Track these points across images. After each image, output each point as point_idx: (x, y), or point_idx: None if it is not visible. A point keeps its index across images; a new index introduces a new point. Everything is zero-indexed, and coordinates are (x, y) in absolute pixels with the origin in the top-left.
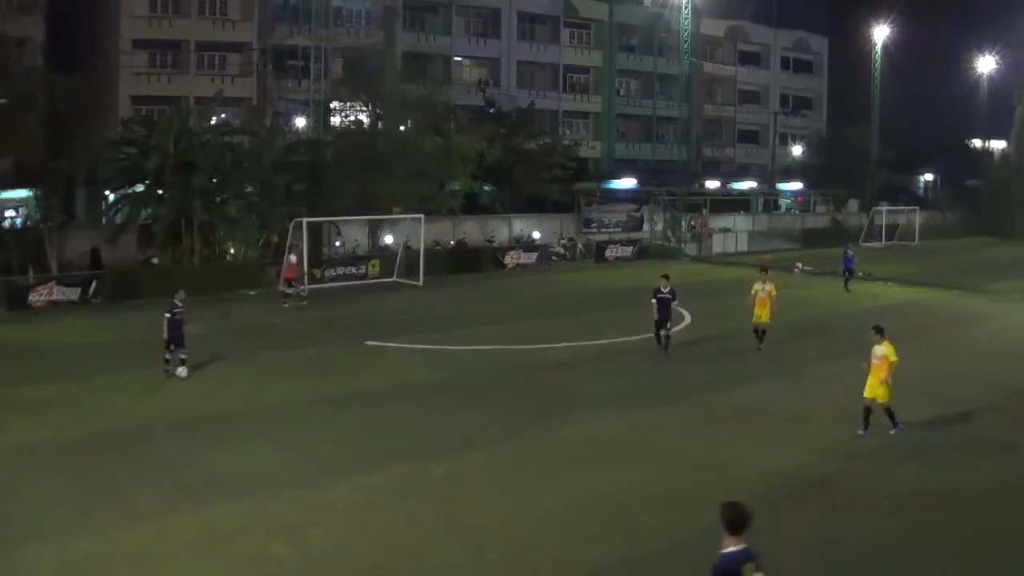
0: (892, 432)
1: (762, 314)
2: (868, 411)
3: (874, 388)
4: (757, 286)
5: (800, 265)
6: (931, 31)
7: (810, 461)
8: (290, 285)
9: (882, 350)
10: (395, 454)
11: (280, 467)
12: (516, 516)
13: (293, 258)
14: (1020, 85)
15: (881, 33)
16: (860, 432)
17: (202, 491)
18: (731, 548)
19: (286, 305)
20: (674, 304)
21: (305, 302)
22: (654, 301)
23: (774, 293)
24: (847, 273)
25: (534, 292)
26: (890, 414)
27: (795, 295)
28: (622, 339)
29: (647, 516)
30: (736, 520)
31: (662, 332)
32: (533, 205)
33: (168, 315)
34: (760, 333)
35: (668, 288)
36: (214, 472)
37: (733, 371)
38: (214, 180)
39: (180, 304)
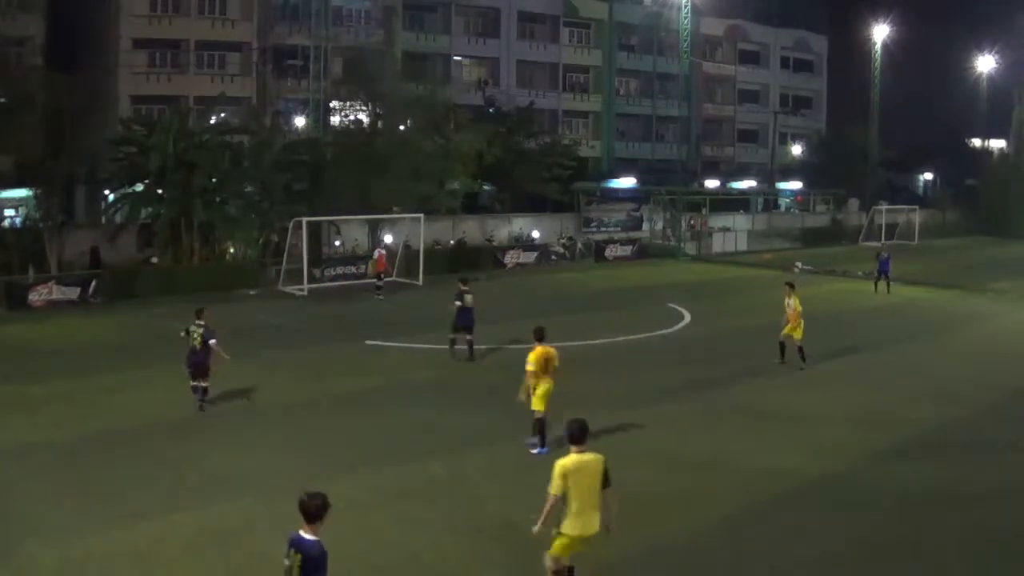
0: (801, 369)
1: (789, 330)
2: (783, 345)
3: (791, 330)
4: (786, 300)
5: (800, 264)
6: (931, 30)
7: (811, 460)
8: (379, 278)
9: (792, 302)
10: (395, 453)
11: (280, 466)
12: (515, 516)
13: (381, 252)
14: (1019, 84)
15: (881, 32)
16: (776, 361)
17: (203, 490)
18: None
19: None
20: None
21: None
22: (457, 304)
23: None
24: (882, 275)
25: (534, 292)
26: (801, 352)
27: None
28: (622, 338)
29: (645, 515)
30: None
31: (462, 337)
32: (533, 204)
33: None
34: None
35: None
36: (214, 471)
37: (733, 370)
38: (214, 179)
39: (201, 324)
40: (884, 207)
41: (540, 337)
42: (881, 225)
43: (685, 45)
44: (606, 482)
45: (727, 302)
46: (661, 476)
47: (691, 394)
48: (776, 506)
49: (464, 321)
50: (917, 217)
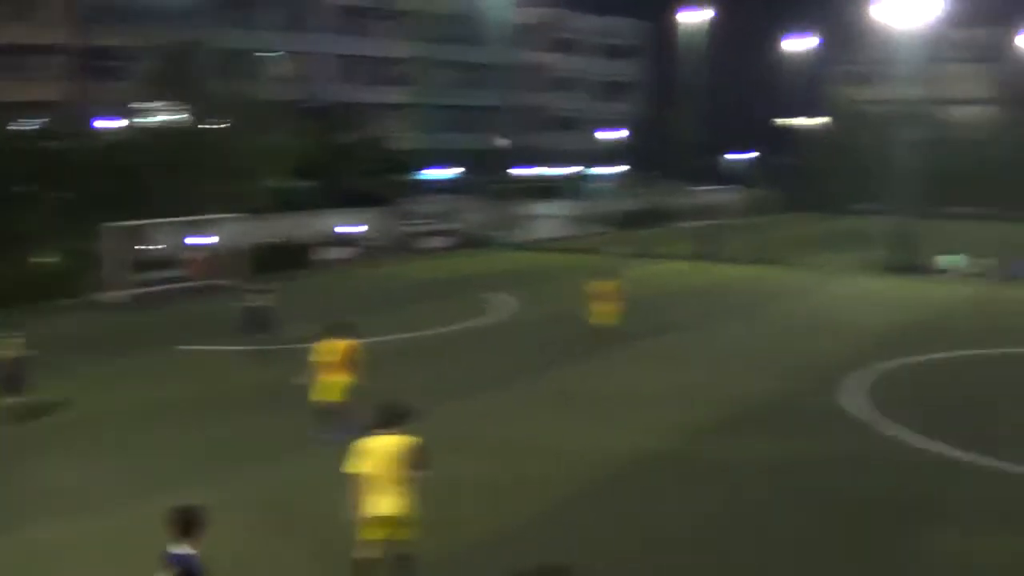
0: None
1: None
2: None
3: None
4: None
5: (618, 249)
6: (750, 14)
7: (641, 440)
8: (198, 280)
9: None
10: (216, 461)
11: (97, 481)
12: (344, 517)
13: (198, 254)
14: (835, 64)
15: (698, 17)
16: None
17: (18, 509)
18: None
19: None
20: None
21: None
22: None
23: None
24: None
25: (354, 287)
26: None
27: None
28: (445, 329)
29: (476, 506)
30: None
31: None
32: (352, 199)
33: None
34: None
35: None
36: (33, 488)
37: (558, 355)
38: (17, 186)
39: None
40: (702, 187)
41: (332, 331)
42: (698, 206)
43: (502, 34)
44: (418, 465)
45: (549, 288)
46: (493, 464)
47: (518, 380)
48: (610, 487)
49: (257, 322)
50: (738, 196)
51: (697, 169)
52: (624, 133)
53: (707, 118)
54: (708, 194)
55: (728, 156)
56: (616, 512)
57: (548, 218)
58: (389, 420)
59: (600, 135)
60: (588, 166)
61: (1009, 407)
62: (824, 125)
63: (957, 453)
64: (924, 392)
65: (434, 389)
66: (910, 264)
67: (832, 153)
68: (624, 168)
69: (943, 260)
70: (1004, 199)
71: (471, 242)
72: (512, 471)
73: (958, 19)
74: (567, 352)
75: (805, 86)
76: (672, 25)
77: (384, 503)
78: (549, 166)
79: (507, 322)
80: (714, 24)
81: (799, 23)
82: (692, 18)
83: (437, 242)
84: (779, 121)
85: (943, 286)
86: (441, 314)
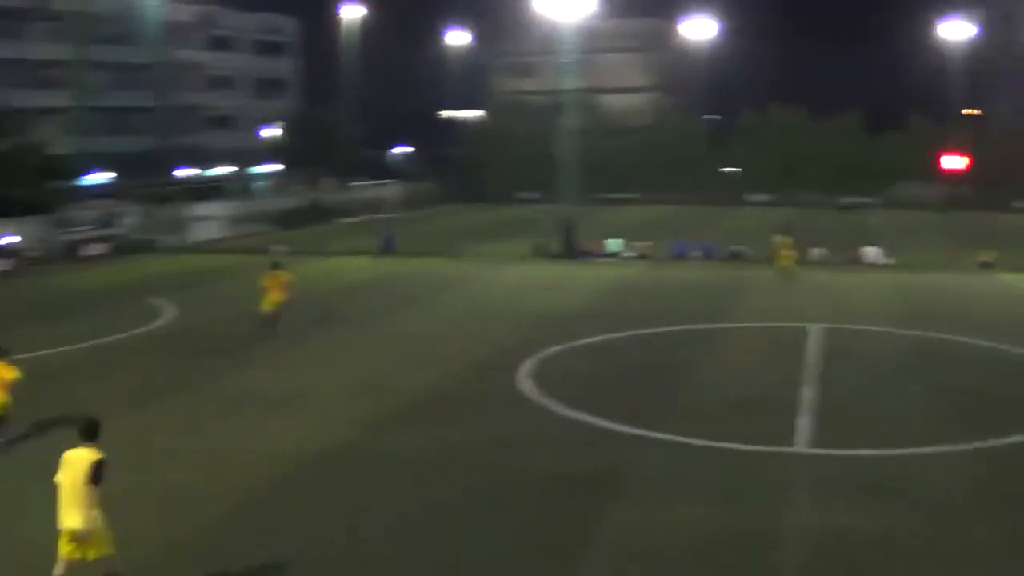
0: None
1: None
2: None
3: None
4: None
5: (279, 247)
6: (405, 8)
7: (313, 437)
8: None
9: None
10: None
11: None
12: (25, 536)
13: None
14: (495, 56)
15: (353, 12)
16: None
17: None
18: None
19: None
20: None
21: None
22: None
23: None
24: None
25: (13, 300)
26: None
27: None
28: (110, 338)
29: (144, 518)
30: None
31: None
32: (7, 209)
33: None
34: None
35: None
36: None
37: (227, 358)
38: None
39: None
40: (362, 182)
41: None
42: (360, 200)
43: (156, 34)
44: (92, 478)
45: (215, 290)
46: (174, 472)
47: (191, 385)
48: (284, 487)
49: None
50: (395, 190)
51: (360, 164)
52: (282, 131)
53: (368, 113)
54: (371, 189)
55: (393, 150)
56: (304, 510)
57: (210, 219)
58: (84, 433)
59: (259, 133)
60: (248, 165)
61: (679, 382)
62: (485, 117)
63: (632, 429)
64: (595, 373)
65: (106, 400)
66: (575, 250)
67: (494, 144)
68: (284, 166)
69: (611, 244)
70: (665, 184)
71: (134, 247)
72: (193, 477)
73: (617, 10)
74: (239, 354)
75: (467, 79)
76: (330, 21)
77: (68, 517)
78: (209, 166)
79: (176, 327)
80: (374, 19)
81: (459, 16)
82: (351, 13)
83: (98, 249)
84: (443, 114)
85: (608, 269)
86: (107, 323)
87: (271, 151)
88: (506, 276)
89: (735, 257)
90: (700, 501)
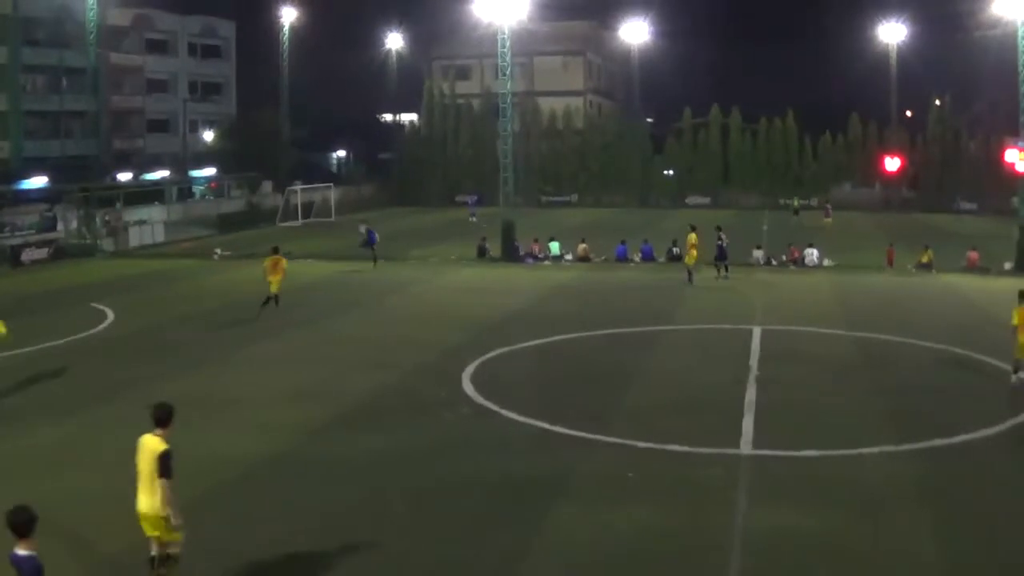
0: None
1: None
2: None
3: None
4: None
5: (219, 251)
6: (340, 10)
7: (255, 443)
8: None
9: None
10: None
11: None
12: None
13: None
14: (428, 59)
15: (289, 15)
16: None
17: None
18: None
19: None
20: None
21: None
22: None
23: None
24: (371, 247)
25: None
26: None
27: (220, 280)
28: (49, 344)
29: (87, 524)
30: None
31: None
32: None
33: None
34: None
35: None
36: None
37: (169, 363)
38: None
39: None
40: (299, 187)
41: None
42: (297, 205)
43: (92, 37)
44: (159, 472)
45: (153, 295)
46: (108, 482)
47: (129, 391)
48: (225, 494)
49: None
50: (333, 194)
51: (298, 168)
52: (220, 134)
53: (301, 116)
54: (307, 192)
55: (331, 154)
56: (245, 516)
57: (149, 224)
58: (156, 419)
59: (196, 136)
60: (187, 169)
61: (622, 385)
62: (423, 119)
63: (575, 432)
64: (538, 375)
65: (45, 406)
66: (516, 253)
67: (432, 147)
68: (219, 170)
69: (553, 247)
70: (604, 187)
71: (70, 252)
72: (122, 487)
73: (553, 13)
74: (181, 358)
75: (404, 82)
76: (267, 24)
77: (138, 499)
78: (148, 170)
79: (118, 331)
80: (311, 22)
81: (396, 19)
82: (287, 17)
83: (36, 254)
84: (381, 117)
85: (549, 272)
86: (49, 328)
87: (209, 155)
88: (448, 279)
89: (675, 259)
90: (645, 503)
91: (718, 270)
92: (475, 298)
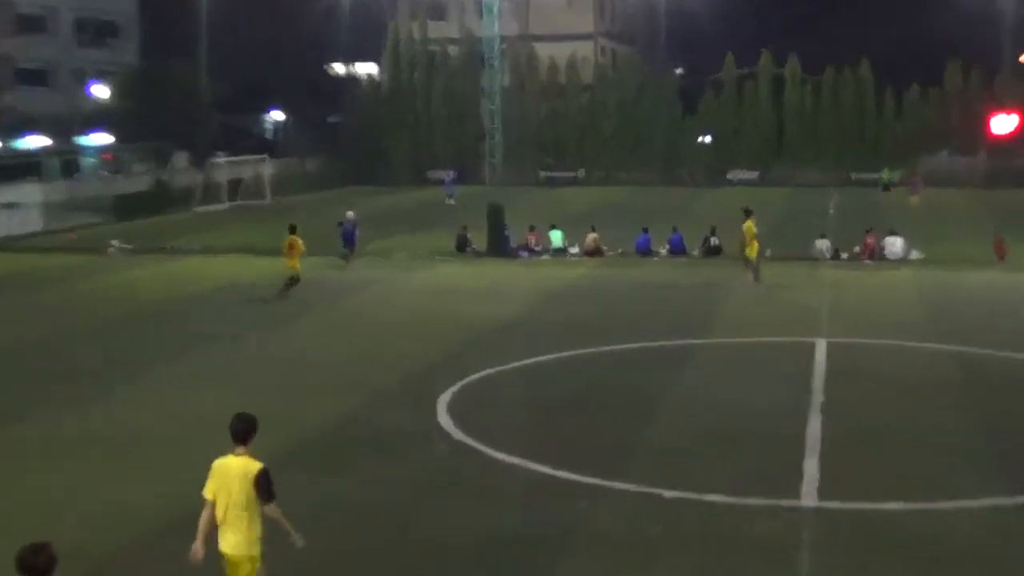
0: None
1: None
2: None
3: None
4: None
5: (116, 243)
6: None
7: (180, 490)
8: None
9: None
10: None
11: None
12: None
13: None
14: None
15: None
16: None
17: None
18: None
19: None
20: None
21: None
22: None
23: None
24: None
25: None
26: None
27: (119, 282)
28: None
29: None
30: None
31: None
32: None
33: None
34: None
35: None
36: None
37: (66, 386)
38: None
39: None
40: (223, 159)
41: None
42: (221, 183)
43: None
44: (263, 496)
45: (29, 301)
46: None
47: (15, 423)
48: (139, 558)
49: None
50: (268, 169)
51: (222, 135)
52: (117, 90)
53: (224, 69)
54: (234, 167)
55: (265, 117)
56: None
57: (22, 207)
58: (237, 434)
59: (85, 93)
60: (72, 136)
61: (643, 416)
62: (385, 71)
63: (582, 477)
64: (533, 404)
65: None
66: (505, 245)
67: (396, 107)
68: (117, 138)
69: (554, 237)
70: (620, 159)
71: None
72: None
73: None
74: (76, 381)
75: (363, 23)
76: None
77: (223, 538)
78: (19, 136)
79: None
80: None
81: None
82: None
83: None
84: (332, 69)
85: (548, 270)
86: None
87: (103, 117)
88: (418, 280)
89: (713, 253)
90: (674, 571)
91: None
92: (453, 304)
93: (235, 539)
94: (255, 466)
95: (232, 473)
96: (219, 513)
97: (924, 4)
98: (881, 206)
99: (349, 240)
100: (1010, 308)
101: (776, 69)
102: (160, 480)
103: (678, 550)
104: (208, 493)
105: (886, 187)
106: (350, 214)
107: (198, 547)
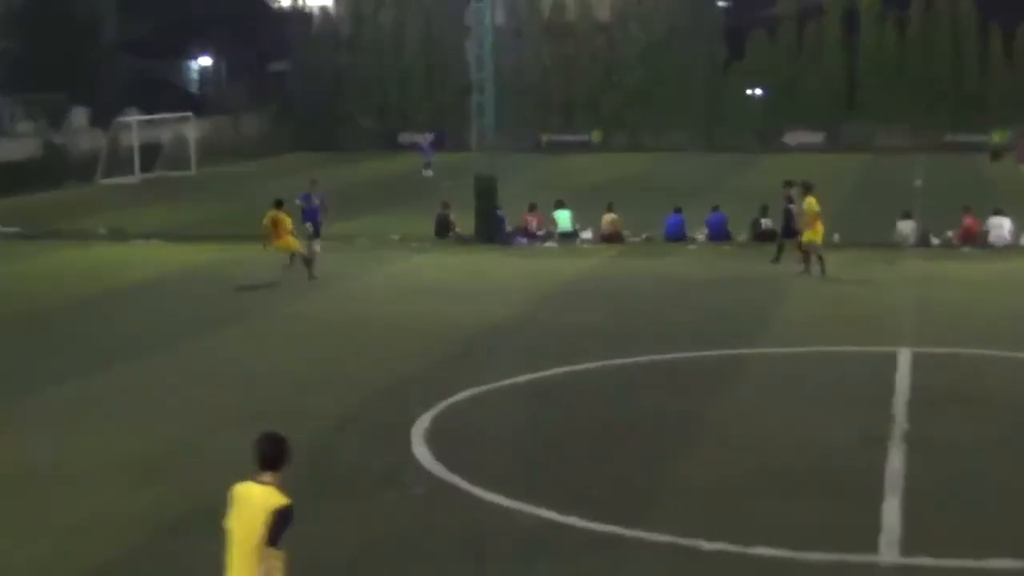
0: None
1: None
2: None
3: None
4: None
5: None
6: None
7: (80, 545)
8: None
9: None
10: None
11: None
12: None
13: None
14: None
15: None
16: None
17: None
18: None
19: None
20: None
21: None
22: None
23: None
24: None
25: None
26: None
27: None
28: None
29: None
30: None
31: None
32: None
33: None
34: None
35: None
36: None
37: None
38: None
39: None
40: (135, 118)
41: None
42: (133, 149)
43: None
44: (267, 535)
45: None
46: None
47: None
48: None
49: None
50: (193, 131)
51: (133, 87)
52: None
53: (137, 3)
54: (150, 128)
55: (189, 63)
56: None
57: None
58: (265, 458)
59: None
60: None
61: (673, 447)
62: (343, 6)
63: (595, 525)
64: (533, 432)
65: None
66: (496, 229)
67: (358, 53)
68: None
69: (560, 218)
70: (645, 119)
71: None
72: None
73: None
74: None
75: None
76: None
77: None
78: None
79: None
80: None
81: None
82: None
83: None
84: (275, 2)
85: (553, 261)
86: None
87: None
88: (388, 274)
89: (765, 238)
90: None
91: (778, 252)
92: (432, 304)
93: None
94: (278, 500)
95: (253, 503)
96: (228, 549)
97: None
98: (984, 178)
99: (312, 218)
100: None
101: (848, 2)
102: (50, 536)
103: None
104: (230, 523)
105: (996, 154)
106: (316, 198)
107: None
